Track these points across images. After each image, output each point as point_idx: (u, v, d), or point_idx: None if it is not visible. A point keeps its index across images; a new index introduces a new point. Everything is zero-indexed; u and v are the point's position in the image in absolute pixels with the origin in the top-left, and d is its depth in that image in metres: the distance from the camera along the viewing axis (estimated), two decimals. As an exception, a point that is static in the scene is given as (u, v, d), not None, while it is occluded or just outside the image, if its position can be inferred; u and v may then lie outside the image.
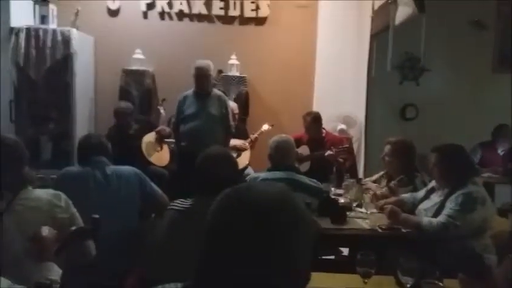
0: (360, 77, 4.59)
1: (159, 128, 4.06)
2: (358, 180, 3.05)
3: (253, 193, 0.83)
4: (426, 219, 2.33)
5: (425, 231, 2.29)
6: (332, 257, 2.97)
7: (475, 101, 4.85)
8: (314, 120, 3.91)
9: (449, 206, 2.30)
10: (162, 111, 4.24)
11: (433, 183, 2.61)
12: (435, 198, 2.49)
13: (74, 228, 1.66)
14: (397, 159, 2.93)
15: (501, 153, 4.47)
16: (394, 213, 2.41)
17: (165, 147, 4.11)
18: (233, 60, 4.69)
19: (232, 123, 3.91)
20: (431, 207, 2.45)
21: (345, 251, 2.94)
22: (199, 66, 3.74)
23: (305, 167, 3.78)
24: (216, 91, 3.88)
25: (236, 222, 0.79)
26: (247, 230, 0.78)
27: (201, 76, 3.72)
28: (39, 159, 4.06)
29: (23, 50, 4.14)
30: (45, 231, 1.50)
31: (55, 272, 1.53)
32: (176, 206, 1.75)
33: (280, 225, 0.79)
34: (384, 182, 3.12)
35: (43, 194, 1.69)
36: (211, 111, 3.73)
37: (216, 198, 0.85)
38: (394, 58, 3.88)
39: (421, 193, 2.67)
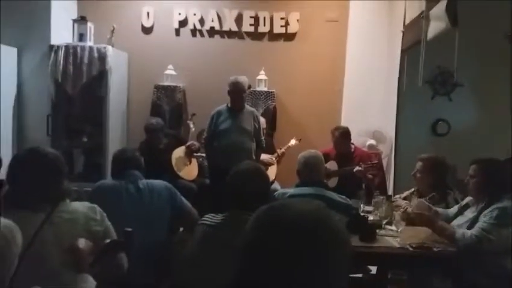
0: (390, 92, 4.54)
1: (189, 143, 4.12)
2: (388, 197, 3.00)
3: (290, 211, 0.83)
4: (460, 231, 2.29)
5: (458, 244, 2.26)
6: (360, 275, 2.93)
7: (509, 117, 4.70)
8: (342, 135, 3.90)
9: (483, 220, 2.27)
10: (191, 125, 4.32)
11: (467, 200, 2.56)
12: (469, 214, 2.45)
13: (108, 241, 1.71)
14: (429, 176, 2.88)
15: None
16: (431, 221, 2.39)
17: (194, 161, 4.17)
18: (262, 76, 4.75)
19: (263, 138, 3.95)
20: (465, 223, 2.41)
21: (373, 269, 2.89)
22: (237, 82, 3.76)
23: (333, 182, 3.75)
24: (248, 106, 3.93)
25: (273, 239, 0.80)
26: (284, 247, 0.78)
27: (239, 92, 3.76)
28: (71, 172, 4.20)
29: (61, 67, 4.33)
30: (82, 243, 1.55)
31: (91, 284, 1.58)
32: (207, 220, 1.77)
33: (317, 243, 0.79)
34: (414, 200, 3.06)
35: (80, 206, 1.75)
36: (246, 127, 3.77)
37: (252, 216, 0.85)
38: (426, 73, 3.82)
39: (454, 209, 2.63)
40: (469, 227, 2.33)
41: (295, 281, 0.78)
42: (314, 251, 0.79)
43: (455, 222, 2.48)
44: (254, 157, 3.78)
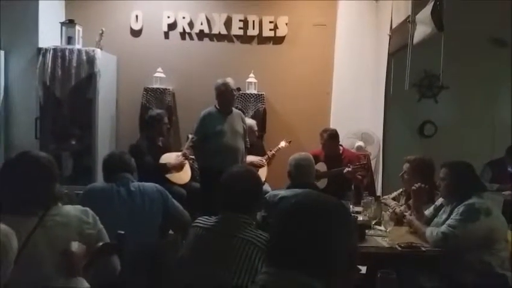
0: (378, 94, 4.61)
1: (184, 151, 4.05)
2: (377, 198, 3.05)
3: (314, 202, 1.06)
4: (429, 230, 2.41)
5: (429, 242, 2.38)
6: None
7: (494, 119, 4.81)
8: (331, 137, 3.94)
9: (451, 217, 2.36)
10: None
11: (440, 201, 2.65)
12: (443, 215, 2.52)
13: (100, 244, 1.72)
14: (416, 177, 2.92)
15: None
16: (410, 221, 2.56)
17: (186, 166, 4.08)
18: (251, 79, 4.78)
19: (247, 139, 3.99)
20: (440, 224, 2.47)
21: (363, 269, 2.92)
22: (227, 83, 3.78)
23: (322, 183, 3.79)
24: (234, 109, 3.95)
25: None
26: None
27: (230, 93, 3.78)
28: (60, 176, 4.13)
29: (49, 70, 4.30)
30: (75, 246, 1.55)
31: (84, 287, 1.58)
32: (201, 223, 1.78)
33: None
34: (402, 200, 3.13)
35: (72, 210, 1.75)
36: (237, 129, 3.80)
37: (281, 208, 1.05)
38: (412, 76, 3.89)
39: (430, 211, 2.72)
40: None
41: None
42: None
43: (431, 224, 2.56)
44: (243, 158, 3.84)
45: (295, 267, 0.96)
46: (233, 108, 3.93)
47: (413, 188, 2.66)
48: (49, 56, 4.30)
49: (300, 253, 0.97)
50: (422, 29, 3.41)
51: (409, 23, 3.57)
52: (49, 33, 4.49)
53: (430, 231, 2.38)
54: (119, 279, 1.81)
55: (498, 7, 4.38)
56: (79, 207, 1.80)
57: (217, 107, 3.83)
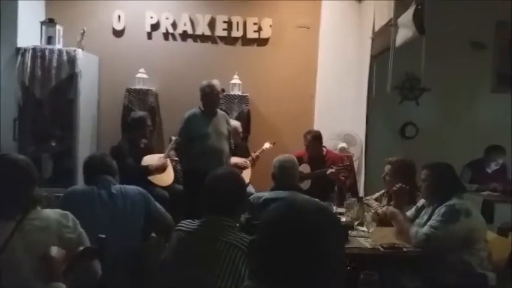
0: (361, 96, 4.65)
1: (167, 153, 4.00)
2: (360, 199, 3.07)
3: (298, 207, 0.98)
4: (413, 230, 2.43)
5: (412, 241, 2.40)
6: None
7: (474, 120, 4.92)
8: (314, 139, 3.96)
9: (433, 218, 2.40)
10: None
11: (422, 202, 2.69)
12: (425, 216, 2.56)
13: (81, 248, 1.69)
14: (397, 179, 2.95)
15: (490, 172, 4.53)
16: (394, 214, 2.59)
17: (169, 168, 4.04)
18: (235, 80, 4.77)
19: (232, 140, 3.97)
20: (422, 225, 2.50)
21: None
22: (213, 84, 3.73)
23: (306, 185, 3.81)
24: (219, 110, 3.93)
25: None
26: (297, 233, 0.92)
27: (215, 95, 3.75)
28: (40, 178, 4.05)
29: (28, 70, 4.21)
30: (54, 251, 1.52)
31: (64, 292, 1.55)
32: (184, 226, 1.77)
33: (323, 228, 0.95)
34: (385, 201, 3.16)
35: (52, 213, 1.71)
36: (223, 130, 3.78)
37: (266, 213, 0.99)
38: (394, 78, 3.94)
39: (411, 212, 2.76)
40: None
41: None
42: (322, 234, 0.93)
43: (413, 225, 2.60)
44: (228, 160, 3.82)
45: (280, 280, 0.91)
46: (218, 110, 3.90)
47: (394, 188, 2.70)
48: (28, 56, 4.22)
49: (285, 268, 0.92)
50: (404, 33, 3.45)
51: (391, 26, 3.62)
52: (28, 33, 4.39)
53: (415, 232, 2.40)
54: (100, 284, 1.78)
55: (479, 9, 4.47)
56: (59, 210, 1.76)
57: (202, 109, 3.79)
